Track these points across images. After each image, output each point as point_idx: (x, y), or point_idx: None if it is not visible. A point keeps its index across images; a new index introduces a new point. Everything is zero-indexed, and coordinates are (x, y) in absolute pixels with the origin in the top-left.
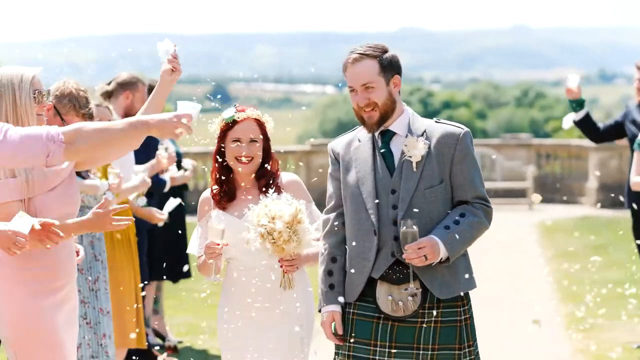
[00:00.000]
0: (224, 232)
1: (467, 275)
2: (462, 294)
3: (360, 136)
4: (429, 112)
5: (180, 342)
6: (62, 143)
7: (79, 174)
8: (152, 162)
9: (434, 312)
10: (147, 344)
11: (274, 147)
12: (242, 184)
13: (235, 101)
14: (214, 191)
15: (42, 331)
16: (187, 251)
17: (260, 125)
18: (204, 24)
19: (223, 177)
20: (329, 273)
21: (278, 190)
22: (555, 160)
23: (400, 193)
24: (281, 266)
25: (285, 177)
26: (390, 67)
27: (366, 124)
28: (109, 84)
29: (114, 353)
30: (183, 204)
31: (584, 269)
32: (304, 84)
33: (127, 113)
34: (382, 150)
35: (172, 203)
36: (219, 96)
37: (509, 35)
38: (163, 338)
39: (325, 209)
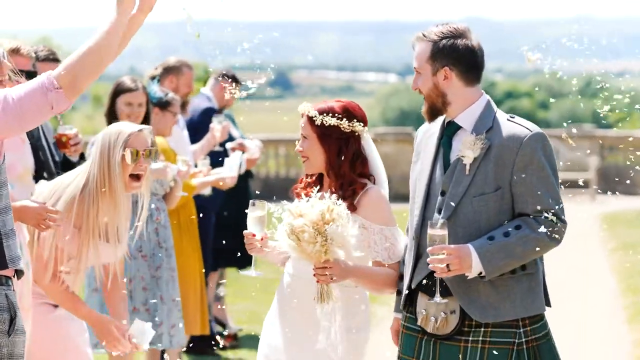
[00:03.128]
0: (263, 219)
1: (525, 300)
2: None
3: (439, 122)
4: None
5: (240, 330)
6: (59, 89)
7: None
8: (207, 136)
9: (482, 331)
10: (210, 331)
11: None
12: (326, 186)
13: (297, 89)
14: (298, 185)
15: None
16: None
17: (311, 121)
18: (268, 11)
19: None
20: (400, 277)
21: (351, 207)
22: (618, 152)
23: (447, 197)
24: (314, 275)
25: (370, 190)
26: (441, 56)
27: (422, 112)
28: (157, 68)
29: (180, 341)
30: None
31: None
32: (367, 72)
33: None
34: (442, 144)
35: (234, 160)
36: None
37: (572, 26)
38: (224, 325)
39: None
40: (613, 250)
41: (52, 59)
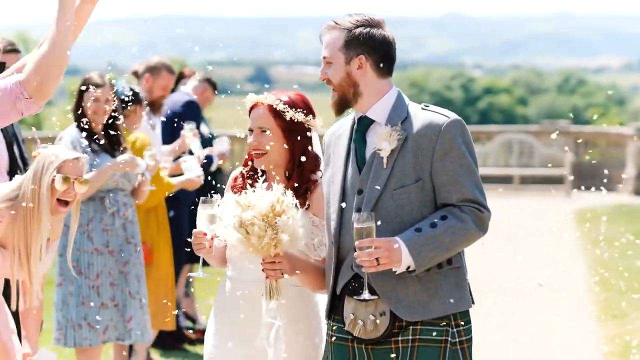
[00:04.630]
0: (214, 218)
1: (454, 295)
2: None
3: (347, 122)
4: (470, 98)
5: None
6: (28, 99)
7: (112, 154)
8: (178, 142)
9: (411, 330)
10: (178, 326)
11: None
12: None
13: (276, 84)
14: (238, 181)
15: None
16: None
17: (277, 114)
18: (247, 6)
19: (252, 168)
20: None
21: (302, 201)
22: (593, 148)
23: (365, 194)
24: (263, 270)
25: (320, 185)
26: (356, 44)
27: (330, 104)
28: (141, 65)
29: (149, 336)
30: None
31: (619, 257)
32: None
33: (147, 96)
34: (355, 142)
35: (193, 162)
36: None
37: (552, 22)
38: (194, 321)
39: None
40: (587, 246)
41: (10, 50)
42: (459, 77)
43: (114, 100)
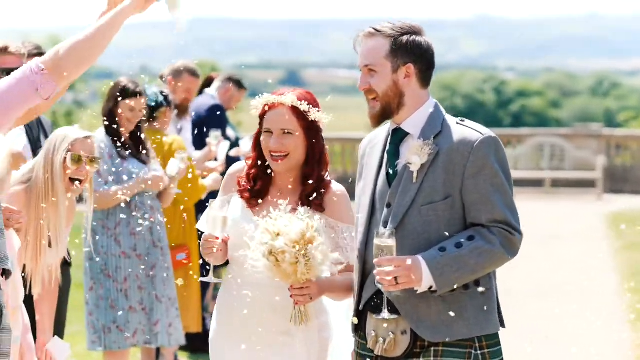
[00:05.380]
0: (226, 221)
1: (480, 317)
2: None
3: (382, 132)
4: (503, 101)
5: None
6: (44, 71)
7: (139, 159)
8: (205, 150)
9: (432, 350)
10: (205, 329)
11: (344, 134)
12: (280, 185)
13: (308, 87)
14: (242, 184)
15: None
16: (196, 226)
17: (299, 114)
18: (278, 9)
19: (259, 170)
20: None
21: (318, 207)
22: (625, 151)
23: (393, 207)
24: (291, 296)
25: (333, 187)
26: (404, 52)
27: (369, 115)
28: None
29: (177, 339)
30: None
31: None
32: None
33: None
34: (388, 153)
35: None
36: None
37: (585, 24)
38: None
39: None
40: (619, 250)
41: (35, 53)
42: (491, 79)
43: (146, 107)
